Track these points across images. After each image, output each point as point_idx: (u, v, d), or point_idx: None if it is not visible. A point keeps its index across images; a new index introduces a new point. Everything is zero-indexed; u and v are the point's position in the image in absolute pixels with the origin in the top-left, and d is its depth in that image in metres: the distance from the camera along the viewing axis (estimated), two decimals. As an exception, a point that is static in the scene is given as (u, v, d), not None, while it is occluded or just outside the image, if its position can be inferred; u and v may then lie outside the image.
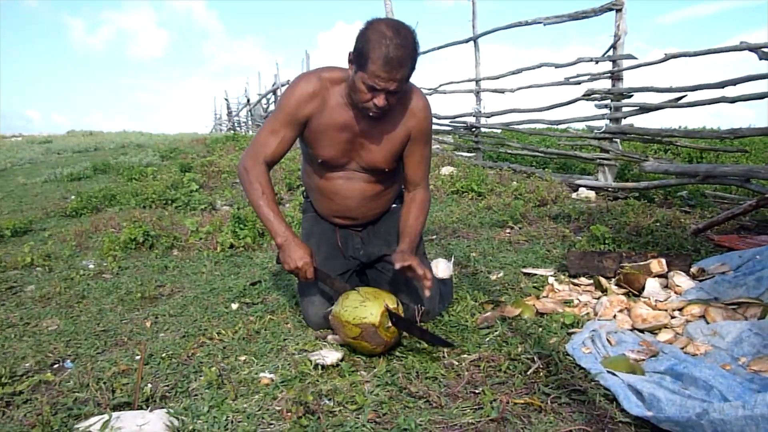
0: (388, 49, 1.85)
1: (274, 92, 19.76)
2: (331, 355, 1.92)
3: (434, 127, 9.30)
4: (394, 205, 2.47)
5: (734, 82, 4.21)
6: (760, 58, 3.93)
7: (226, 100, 29.60)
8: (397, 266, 2.04)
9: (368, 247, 2.42)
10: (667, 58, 4.82)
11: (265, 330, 2.33)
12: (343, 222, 2.41)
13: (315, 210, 2.47)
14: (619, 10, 5.39)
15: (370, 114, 2.03)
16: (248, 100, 24.74)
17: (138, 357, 2.14)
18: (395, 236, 2.37)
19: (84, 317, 2.72)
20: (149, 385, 1.85)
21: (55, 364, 2.19)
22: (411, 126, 2.18)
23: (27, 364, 2.15)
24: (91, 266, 3.69)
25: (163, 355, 2.14)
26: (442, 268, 2.97)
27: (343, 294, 2.09)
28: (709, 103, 4.47)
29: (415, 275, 2.07)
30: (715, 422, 1.25)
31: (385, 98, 1.96)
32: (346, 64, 2.05)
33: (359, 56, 1.92)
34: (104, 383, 1.87)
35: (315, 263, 2.16)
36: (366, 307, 1.94)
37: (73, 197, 6.61)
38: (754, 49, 3.98)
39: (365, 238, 2.44)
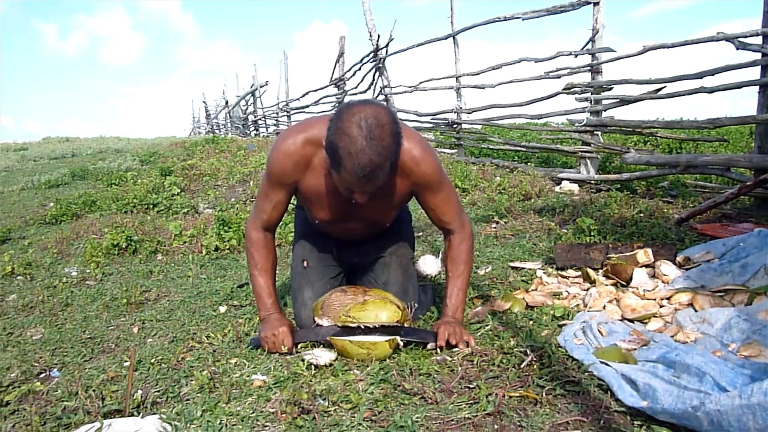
0: (359, 162, 1.66)
1: (253, 93, 19.67)
2: (324, 355, 1.91)
3: (415, 124, 9.34)
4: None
5: (712, 73, 4.25)
6: (737, 48, 3.97)
7: (204, 102, 29.43)
8: (438, 345, 1.98)
9: (363, 257, 2.38)
10: (646, 50, 4.86)
11: (255, 332, 2.31)
12: (341, 239, 2.35)
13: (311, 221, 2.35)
14: (596, 4, 5.43)
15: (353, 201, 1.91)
16: (226, 102, 24.60)
17: (126, 363, 2.11)
18: (389, 241, 2.36)
19: (69, 325, 2.68)
20: (139, 391, 1.82)
21: (42, 373, 2.15)
22: (411, 182, 2.01)
23: (12, 375, 2.11)
24: (74, 273, 3.64)
25: (152, 360, 2.11)
26: (429, 265, 2.98)
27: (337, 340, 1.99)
28: (688, 94, 4.51)
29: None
30: (711, 413, 1.25)
31: (365, 196, 1.83)
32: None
33: (331, 156, 1.74)
34: (93, 391, 1.83)
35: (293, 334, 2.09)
36: (374, 349, 1.93)
37: (51, 204, 6.51)
38: (730, 39, 4.02)
39: (362, 249, 2.37)
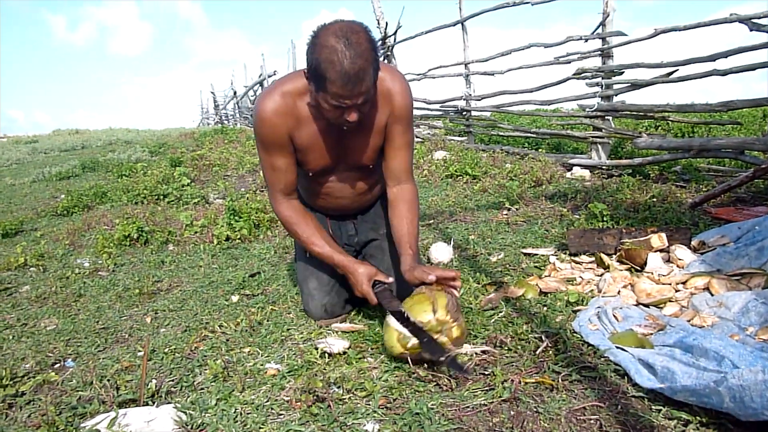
0: (343, 67, 1.67)
1: (261, 84, 19.62)
2: (337, 343, 1.90)
3: (425, 112, 9.30)
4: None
5: (725, 55, 4.19)
6: (751, 30, 3.91)
7: (212, 93, 29.39)
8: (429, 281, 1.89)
9: (360, 234, 2.39)
10: (657, 33, 4.79)
11: (268, 321, 2.31)
12: (336, 214, 2.37)
13: (303, 199, 2.37)
14: (607, -13, 5.35)
15: (345, 128, 1.90)
16: (235, 93, 24.56)
17: (140, 353, 2.11)
18: (382, 220, 2.35)
19: (82, 315, 2.69)
20: (154, 381, 1.83)
21: (56, 363, 2.16)
22: (388, 111, 2.02)
23: (27, 365, 2.12)
24: (86, 264, 3.65)
25: (166, 350, 2.11)
26: (441, 252, 2.96)
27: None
28: (700, 77, 4.44)
29: (444, 283, 1.89)
30: (734, 388, 1.24)
31: (356, 112, 1.80)
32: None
33: (315, 76, 1.75)
34: (108, 381, 1.84)
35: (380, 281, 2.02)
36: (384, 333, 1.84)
37: (63, 196, 6.54)
38: (744, 20, 3.95)
39: (357, 225, 2.39)
